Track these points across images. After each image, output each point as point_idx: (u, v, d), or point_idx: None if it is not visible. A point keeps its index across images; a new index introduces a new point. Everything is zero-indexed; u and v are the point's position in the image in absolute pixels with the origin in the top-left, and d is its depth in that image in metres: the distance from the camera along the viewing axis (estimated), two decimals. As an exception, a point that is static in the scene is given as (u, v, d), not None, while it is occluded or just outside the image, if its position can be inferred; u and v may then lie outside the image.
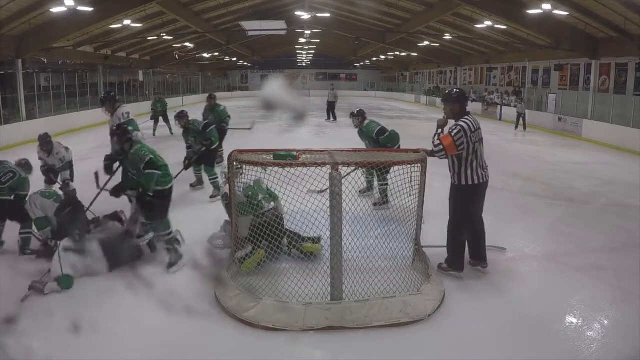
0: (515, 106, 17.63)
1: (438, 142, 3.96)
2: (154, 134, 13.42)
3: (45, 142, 5.86)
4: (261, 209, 4.37)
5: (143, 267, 4.36)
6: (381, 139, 6.17)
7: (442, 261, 4.26)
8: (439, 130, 4.06)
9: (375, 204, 5.90)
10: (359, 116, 6.48)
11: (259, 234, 3.98)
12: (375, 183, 6.30)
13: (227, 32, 23.32)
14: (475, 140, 3.98)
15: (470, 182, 4.03)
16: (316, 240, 4.38)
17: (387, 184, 5.79)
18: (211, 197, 6.72)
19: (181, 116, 7.00)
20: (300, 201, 3.71)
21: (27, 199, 4.70)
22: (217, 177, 6.79)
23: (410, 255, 4.13)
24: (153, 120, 13.79)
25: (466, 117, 4.04)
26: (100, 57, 20.57)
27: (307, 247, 4.37)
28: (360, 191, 5.81)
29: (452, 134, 3.93)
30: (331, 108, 18.31)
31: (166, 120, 13.88)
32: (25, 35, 13.72)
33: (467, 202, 4.09)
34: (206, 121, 7.22)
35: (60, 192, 5.07)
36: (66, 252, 4.12)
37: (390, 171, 4.57)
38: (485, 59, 23.40)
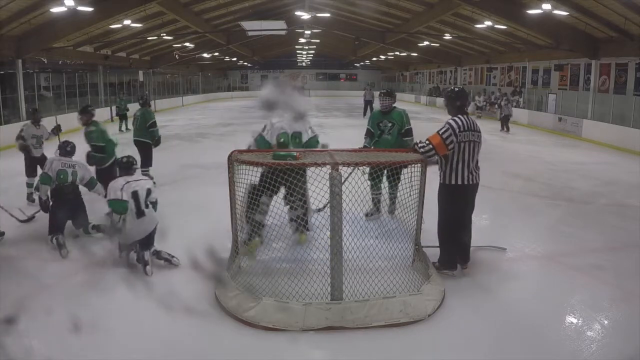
0: (500, 106, 17.51)
1: (427, 142, 3.92)
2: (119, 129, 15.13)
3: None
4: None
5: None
6: (407, 139, 5.49)
7: (435, 261, 4.25)
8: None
9: (391, 212, 5.38)
10: (394, 97, 5.68)
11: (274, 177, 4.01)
12: (384, 191, 5.53)
13: (227, 32, 23.35)
14: (462, 140, 3.92)
15: (454, 182, 4.01)
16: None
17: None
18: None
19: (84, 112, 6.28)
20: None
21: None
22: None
23: (410, 255, 4.13)
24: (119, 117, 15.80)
25: (459, 115, 4.00)
26: (100, 57, 20.58)
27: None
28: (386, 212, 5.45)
29: (441, 133, 3.90)
30: (368, 105, 19.30)
31: (125, 118, 15.61)
32: (25, 35, 13.72)
33: (451, 201, 4.07)
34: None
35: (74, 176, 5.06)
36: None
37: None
38: (485, 59, 23.40)
